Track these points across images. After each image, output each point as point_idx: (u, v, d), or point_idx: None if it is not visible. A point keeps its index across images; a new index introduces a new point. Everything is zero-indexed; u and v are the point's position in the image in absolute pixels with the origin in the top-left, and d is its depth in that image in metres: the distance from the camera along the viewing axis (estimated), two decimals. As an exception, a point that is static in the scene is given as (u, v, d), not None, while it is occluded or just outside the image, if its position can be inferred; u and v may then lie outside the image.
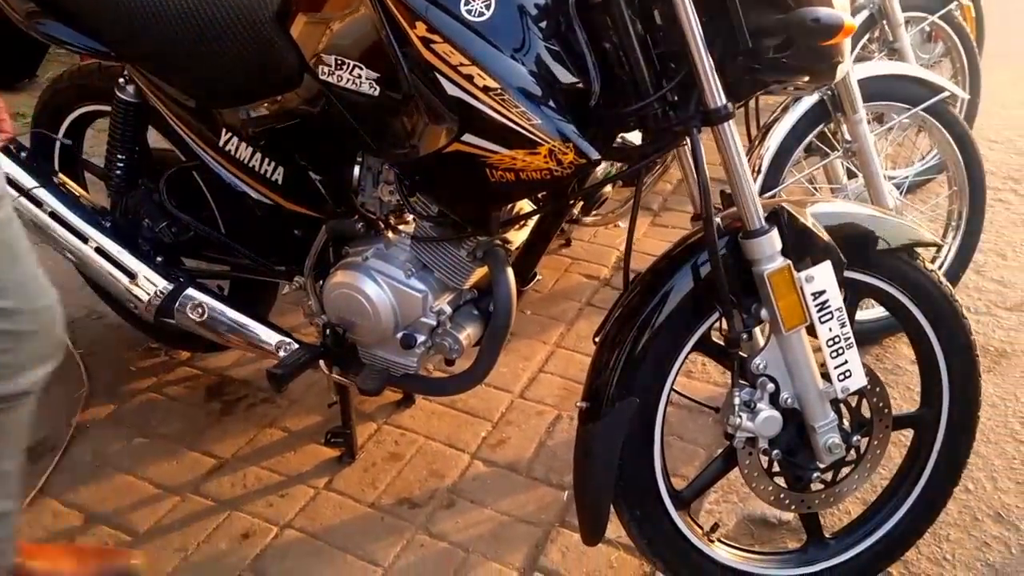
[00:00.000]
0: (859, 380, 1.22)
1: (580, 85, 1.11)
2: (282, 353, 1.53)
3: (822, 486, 1.31)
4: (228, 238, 1.56)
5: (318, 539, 1.53)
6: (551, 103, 1.09)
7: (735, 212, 1.21)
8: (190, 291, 1.56)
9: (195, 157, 1.49)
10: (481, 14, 1.10)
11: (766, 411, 1.21)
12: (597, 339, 1.30)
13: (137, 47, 1.39)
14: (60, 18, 1.45)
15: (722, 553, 1.35)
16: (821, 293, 1.17)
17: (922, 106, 1.86)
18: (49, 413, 1.81)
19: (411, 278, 1.40)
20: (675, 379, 1.25)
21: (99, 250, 1.55)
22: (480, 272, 1.41)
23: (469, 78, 1.09)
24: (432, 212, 1.33)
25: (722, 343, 1.23)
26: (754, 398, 1.22)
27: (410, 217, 1.42)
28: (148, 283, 1.55)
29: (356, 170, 1.38)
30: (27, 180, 1.55)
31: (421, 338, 1.43)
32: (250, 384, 1.94)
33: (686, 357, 1.25)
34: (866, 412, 1.29)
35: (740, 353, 1.21)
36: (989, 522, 1.59)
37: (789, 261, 1.15)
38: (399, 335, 1.43)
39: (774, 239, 1.14)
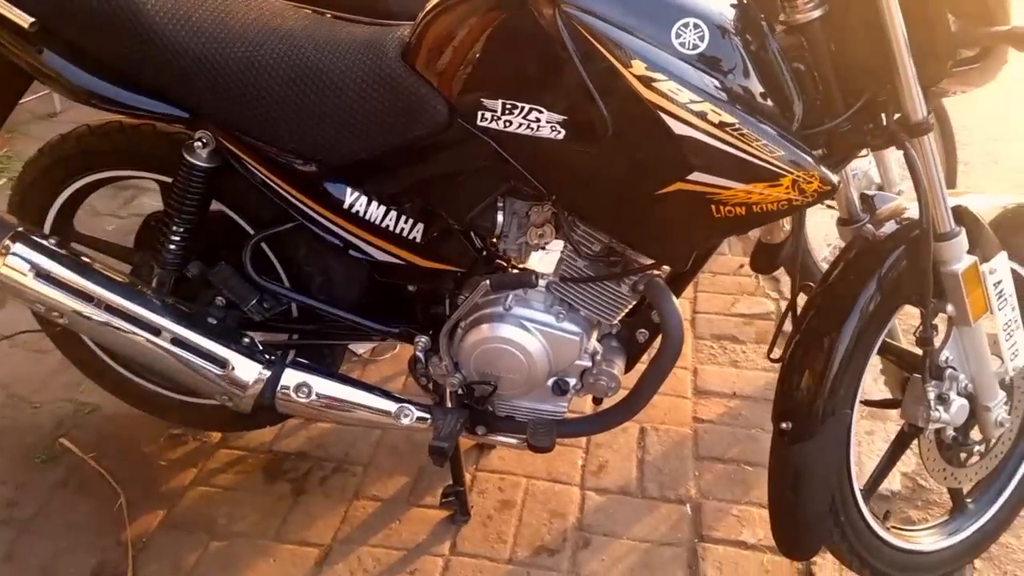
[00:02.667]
0: (1025, 356, 1.32)
1: (790, 109, 1.10)
2: (404, 421, 1.41)
3: (978, 458, 1.41)
4: (337, 306, 1.40)
5: (478, 611, 1.44)
6: (786, 132, 1.07)
7: (887, 213, 1.27)
8: (290, 372, 1.39)
9: (282, 223, 1.33)
10: (695, 46, 1.06)
11: (957, 401, 1.28)
12: (773, 358, 1.32)
13: (235, 110, 1.21)
14: (117, 81, 1.22)
15: (897, 539, 1.42)
16: (1000, 283, 1.25)
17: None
18: (88, 537, 1.56)
19: (563, 321, 1.33)
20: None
21: (176, 341, 1.33)
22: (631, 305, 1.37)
23: (702, 115, 1.04)
24: (595, 249, 1.27)
25: (897, 343, 1.29)
26: (945, 391, 1.28)
27: (547, 259, 1.35)
28: (243, 371, 1.36)
29: (499, 216, 1.28)
30: (77, 277, 1.30)
31: (573, 381, 1.38)
32: (308, 455, 1.77)
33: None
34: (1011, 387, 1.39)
35: (931, 350, 1.26)
36: None
37: (976, 257, 1.21)
38: (550, 382, 1.37)
39: (963, 239, 1.21)
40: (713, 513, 1.64)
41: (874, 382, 1.55)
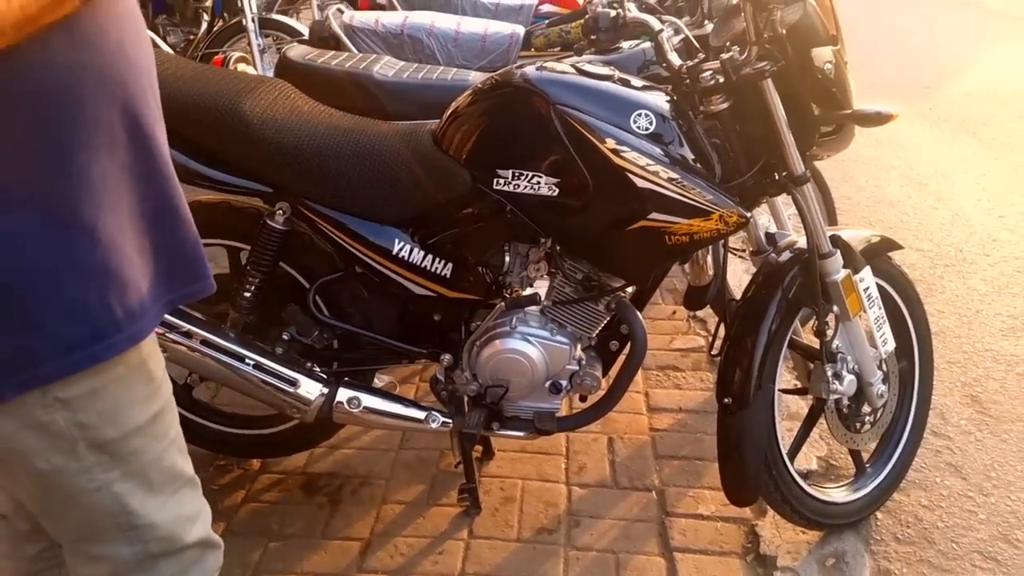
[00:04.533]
0: (891, 343, 1.81)
1: (712, 169, 1.59)
2: (432, 425, 1.79)
3: (869, 426, 1.87)
4: (378, 333, 1.78)
5: None
6: (712, 184, 1.55)
7: (785, 245, 1.76)
8: (342, 389, 1.76)
9: (346, 267, 1.72)
10: (647, 128, 1.53)
11: (848, 376, 1.75)
12: (714, 353, 1.77)
13: (310, 184, 1.61)
14: (211, 164, 1.61)
15: (816, 491, 1.85)
16: (867, 289, 1.75)
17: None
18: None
19: (556, 335, 1.74)
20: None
21: (258, 366, 1.69)
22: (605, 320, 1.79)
23: (655, 174, 1.51)
24: (578, 277, 1.70)
25: (800, 340, 1.76)
26: (838, 370, 1.75)
27: (541, 287, 1.78)
28: (308, 389, 1.72)
29: (507, 256, 1.71)
30: (180, 322, 1.65)
31: (565, 383, 1.78)
32: (337, 474, 2.11)
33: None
34: (886, 368, 1.88)
35: (825, 340, 1.73)
36: (930, 437, 2.28)
37: (848, 270, 1.70)
38: (547, 384, 1.77)
39: (839, 258, 1.70)
40: (674, 496, 2.05)
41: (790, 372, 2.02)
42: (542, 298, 1.73)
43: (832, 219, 2.92)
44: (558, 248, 1.68)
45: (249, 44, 3.82)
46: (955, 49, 6.98)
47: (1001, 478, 2.14)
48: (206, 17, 4.85)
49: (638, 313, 1.75)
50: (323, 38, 2.56)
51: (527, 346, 1.72)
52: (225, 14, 4.86)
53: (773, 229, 2.33)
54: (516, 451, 2.19)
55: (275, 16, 4.44)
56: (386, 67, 2.14)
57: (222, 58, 2.20)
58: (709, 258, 2.31)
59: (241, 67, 2.14)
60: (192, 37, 4.83)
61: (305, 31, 3.76)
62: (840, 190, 3.83)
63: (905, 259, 3.36)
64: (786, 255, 1.76)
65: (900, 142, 4.72)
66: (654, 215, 1.53)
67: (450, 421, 1.80)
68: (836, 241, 1.71)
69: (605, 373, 1.85)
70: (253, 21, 3.78)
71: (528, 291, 1.75)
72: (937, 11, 8.64)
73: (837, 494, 1.90)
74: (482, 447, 2.14)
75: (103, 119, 0.81)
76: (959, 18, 8.30)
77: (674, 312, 2.92)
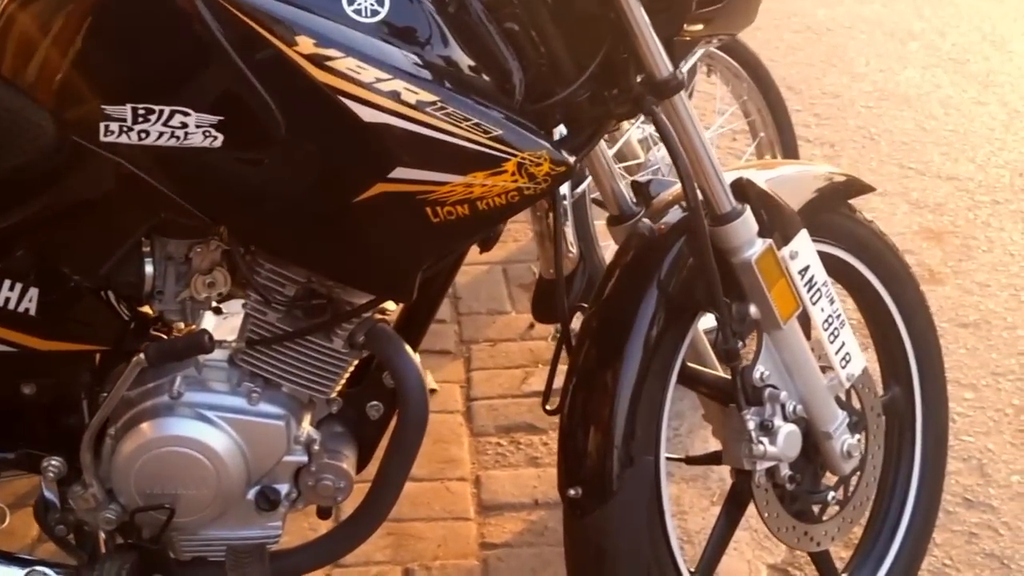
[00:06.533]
0: (860, 362, 1.73)
1: (509, 81, 1.46)
2: (41, 588, 1.61)
3: (837, 508, 1.80)
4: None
5: None
6: (504, 108, 1.42)
7: (669, 200, 1.66)
8: None
9: None
10: (375, 12, 1.39)
11: (784, 427, 1.65)
12: (550, 407, 1.66)
13: None
14: None
15: None
16: (806, 269, 1.65)
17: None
18: None
19: (259, 402, 1.58)
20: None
21: None
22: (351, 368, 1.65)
23: (394, 95, 1.36)
24: (288, 294, 1.55)
25: (702, 369, 1.66)
26: (766, 416, 1.65)
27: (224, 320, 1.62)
28: None
29: (148, 266, 1.54)
30: None
31: (285, 488, 1.62)
32: None
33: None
34: (856, 403, 1.80)
35: (738, 367, 1.63)
36: (963, 511, 2.24)
37: (770, 240, 1.61)
38: (251, 494, 1.61)
39: (749, 219, 1.59)
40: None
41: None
42: (228, 338, 1.58)
43: (790, 150, 2.91)
44: (241, 245, 1.53)
45: None
46: None
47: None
48: None
49: (408, 350, 1.61)
50: None
51: (203, 429, 1.55)
52: None
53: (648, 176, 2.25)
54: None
55: None
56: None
57: None
58: (569, 230, 2.23)
59: None
60: None
61: None
62: (824, 81, 3.81)
63: (928, 198, 3.37)
64: (669, 219, 1.67)
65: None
66: (400, 171, 1.40)
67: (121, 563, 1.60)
68: (743, 191, 1.62)
69: (366, 461, 1.71)
70: None
71: (201, 325, 1.60)
72: None
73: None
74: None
75: None
76: None
77: (532, 326, 2.85)
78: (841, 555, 2.00)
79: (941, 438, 1.98)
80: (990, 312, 2.93)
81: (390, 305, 1.67)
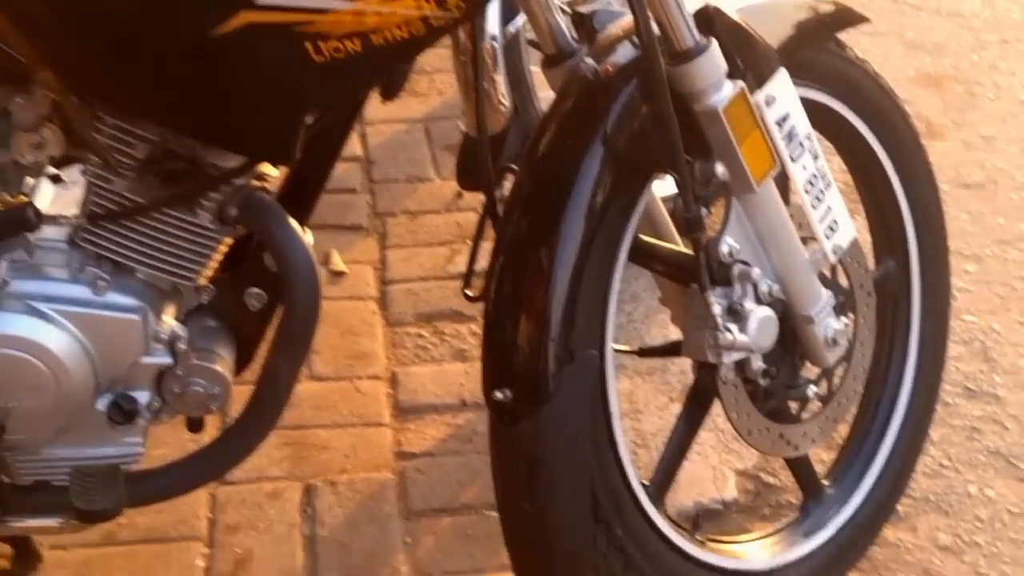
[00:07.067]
0: (848, 231, 1.66)
1: None
2: None
3: (819, 405, 1.76)
4: None
5: None
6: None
7: (616, 35, 1.56)
8: None
9: None
10: None
11: (757, 311, 1.59)
12: (472, 292, 1.60)
13: None
14: None
15: (719, 556, 1.73)
16: (785, 119, 1.58)
17: None
18: None
19: (107, 292, 1.50)
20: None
21: None
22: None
23: None
24: (139, 156, 1.45)
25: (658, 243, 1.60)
26: (735, 298, 1.59)
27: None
28: None
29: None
30: None
31: (145, 397, 1.55)
32: None
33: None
34: (843, 281, 1.74)
35: (705, 237, 1.55)
36: (963, 402, 2.23)
37: (741, 83, 1.52)
38: (102, 404, 1.53)
39: (715, 57, 1.50)
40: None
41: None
42: (67, 212, 1.50)
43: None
44: (74, 93, 1.44)
45: None
46: None
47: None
48: None
49: (294, 224, 1.54)
50: None
51: (37, 325, 1.49)
52: None
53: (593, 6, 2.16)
54: (92, 545, 2.01)
55: None
56: None
57: None
58: (500, 78, 2.15)
59: None
60: None
61: None
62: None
63: (926, 37, 3.31)
64: (617, 58, 1.59)
65: None
66: (267, -3, 1.31)
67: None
68: (709, 22, 1.52)
69: (246, 362, 1.67)
70: None
71: (33, 197, 1.51)
72: None
73: (766, 551, 1.80)
74: (12, 547, 1.91)
75: None
76: None
77: (458, 195, 2.83)
78: (822, 458, 2.00)
79: (941, 319, 1.95)
80: (996, 171, 2.91)
81: (270, 169, 1.59)
